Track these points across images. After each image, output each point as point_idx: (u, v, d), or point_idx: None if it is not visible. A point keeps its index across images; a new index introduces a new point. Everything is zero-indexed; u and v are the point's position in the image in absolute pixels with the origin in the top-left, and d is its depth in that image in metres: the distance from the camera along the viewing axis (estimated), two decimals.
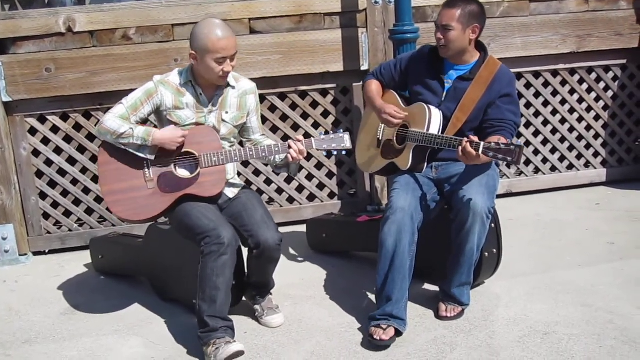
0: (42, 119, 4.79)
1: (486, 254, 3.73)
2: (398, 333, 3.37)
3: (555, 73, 5.50)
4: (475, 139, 3.25)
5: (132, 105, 3.46)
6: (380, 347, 3.32)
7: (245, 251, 3.55)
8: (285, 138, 4.98)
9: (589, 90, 5.60)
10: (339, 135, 3.49)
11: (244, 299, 3.76)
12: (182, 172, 3.47)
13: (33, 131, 4.79)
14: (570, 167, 5.69)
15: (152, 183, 3.46)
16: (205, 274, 3.26)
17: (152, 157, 3.44)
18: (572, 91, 5.56)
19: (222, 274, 3.26)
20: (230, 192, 3.63)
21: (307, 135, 4.96)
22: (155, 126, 3.68)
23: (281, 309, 3.72)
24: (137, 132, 3.39)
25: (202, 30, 3.33)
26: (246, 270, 3.66)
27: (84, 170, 4.90)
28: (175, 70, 3.55)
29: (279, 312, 3.67)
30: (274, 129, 5.06)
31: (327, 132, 3.53)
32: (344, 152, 3.54)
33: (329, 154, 5.03)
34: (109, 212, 4.82)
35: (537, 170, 5.64)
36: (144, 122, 3.55)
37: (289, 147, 3.42)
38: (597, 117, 5.65)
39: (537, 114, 5.52)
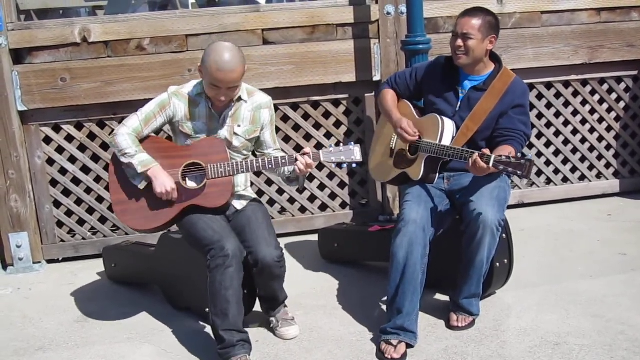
0: (57, 128, 4.83)
1: (497, 264, 3.73)
2: (409, 346, 3.38)
3: (567, 84, 5.50)
4: (487, 151, 3.26)
5: (145, 118, 3.50)
6: None
7: None
8: (298, 148, 5.00)
9: (601, 101, 5.59)
10: (349, 147, 3.44)
11: (259, 309, 3.78)
12: (190, 183, 3.49)
13: (48, 140, 4.83)
14: (582, 178, 5.68)
15: None
16: (214, 288, 3.28)
17: (142, 187, 3.47)
18: (584, 102, 5.56)
19: (231, 286, 3.28)
20: (239, 204, 3.64)
21: (319, 146, 4.99)
22: (170, 137, 3.71)
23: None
24: (138, 158, 3.42)
25: (212, 51, 3.32)
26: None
27: (97, 179, 4.93)
28: (192, 82, 3.57)
29: (294, 324, 3.66)
30: (287, 139, 5.09)
31: (337, 144, 3.50)
32: (354, 165, 3.50)
33: (339, 166, 5.05)
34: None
35: (548, 181, 5.64)
36: (157, 132, 3.60)
37: (296, 159, 3.41)
38: (609, 128, 5.64)
39: (548, 124, 5.52)
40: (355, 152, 3.45)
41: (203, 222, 3.40)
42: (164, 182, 3.41)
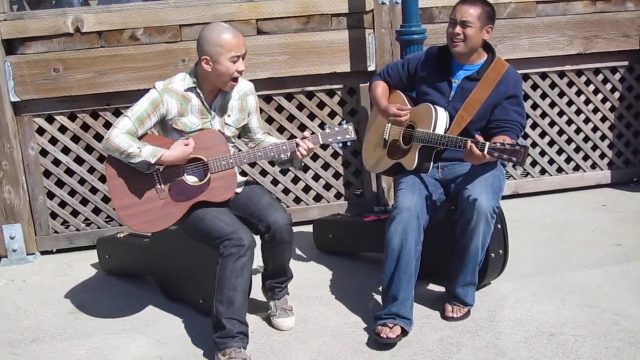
0: (50, 119, 4.81)
1: (492, 254, 3.73)
2: (404, 332, 3.38)
3: (562, 74, 5.50)
4: (481, 139, 3.26)
5: (138, 118, 3.38)
6: (386, 345, 3.33)
7: (258, 244, 3.52)
8: (292, 138, 4.98)
9: (596, 91, 5.59)
10: (343, 127, 3.51)
11: (259, 298, 3.76)
12: (192, 179, 3.44)
13: (41, 131, 4.81)
14: (577, 168, 5.69)
15: (164, 193, 3.42)
16: (224, 275, 3.25)
17: (161, 168, 3.41)
18: (579, 92, 5.56)
19: (241, 275, 3.25)
20: (238, 189, 3.63)
21: None
22: (158, 132, 3.66)
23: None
24: (145, 152, 3.31)
25: (212, 33, 3.31)
26: (262, 263, 3.65)
27: (91, 170, 4.92)
28: (178, 76, 3.49)
29: (292, 314, 3.66)
30: (281, 129, 5.07)
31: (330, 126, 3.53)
32: (349, 144, 3.55)
33: (335, 154, 5.05)
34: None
35: (543, 171, 5.64)
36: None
37: (297, 145, 3.43)
38: (603, 119, 5.64)
39: (543, 115, 5.52)
40: (349, 131, 3.52)
41: (211, 215, 3.37)
42: (183, 156, 3.36)
